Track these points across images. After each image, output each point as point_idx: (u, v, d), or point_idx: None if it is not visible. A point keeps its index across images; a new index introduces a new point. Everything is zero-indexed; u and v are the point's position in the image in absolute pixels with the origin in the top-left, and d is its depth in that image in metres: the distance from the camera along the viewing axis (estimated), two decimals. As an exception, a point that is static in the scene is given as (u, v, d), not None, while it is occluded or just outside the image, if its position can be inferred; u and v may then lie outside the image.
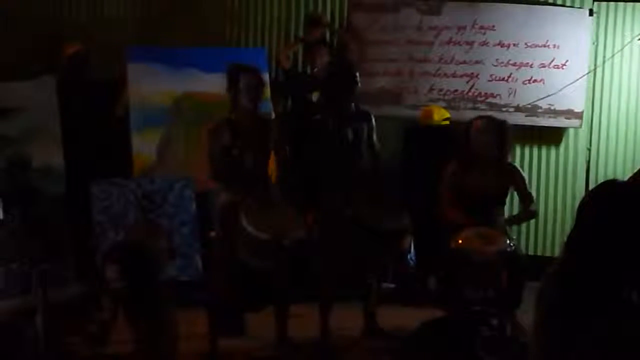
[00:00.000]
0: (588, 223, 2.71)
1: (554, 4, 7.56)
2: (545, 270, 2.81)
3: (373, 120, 6.01)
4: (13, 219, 6.10)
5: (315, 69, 7.44)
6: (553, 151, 7.68)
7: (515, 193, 6.09)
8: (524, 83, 7.52)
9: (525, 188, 5.98)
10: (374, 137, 6.01)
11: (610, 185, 2.80)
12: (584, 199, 2.81)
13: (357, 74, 5.89)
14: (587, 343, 2.59)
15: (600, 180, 3.68)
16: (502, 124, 5.94)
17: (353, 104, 5.91)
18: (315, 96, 7.34)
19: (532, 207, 6.01)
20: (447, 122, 7.30)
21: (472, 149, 5.88)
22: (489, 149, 5.85)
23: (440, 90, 7.69)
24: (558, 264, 2.78)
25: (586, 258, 2.67)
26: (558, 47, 7.45)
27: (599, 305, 2.61)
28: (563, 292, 2.67)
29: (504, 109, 7.41)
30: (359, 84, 5.88)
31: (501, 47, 7.58)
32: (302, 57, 7.84)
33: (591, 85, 7.52)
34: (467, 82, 7.64)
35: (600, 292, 2.62)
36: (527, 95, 7.50)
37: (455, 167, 5.94)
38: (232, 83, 5.60)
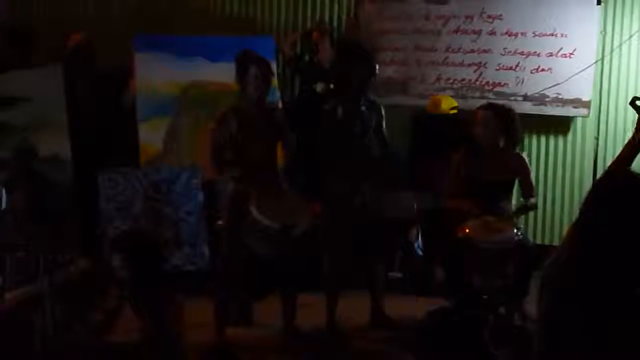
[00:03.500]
0: (597, 213, 2.69)
1: (562, -7, 7.54)
2: (548, 258, 2.79)
3: (382, 110, 5.99)
4: (19, 208, 6.11)
5: (318, 59, 7.42)
6: (561, 140, 7.66)
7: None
8: (531, 72, 7.50)
9: (528, 179, 5.91)
10: (384, 126, 5.98)
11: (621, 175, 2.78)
12: (592, 188, 2.79)
13: (376, 65, 5.86)
14: (594, 332, 2.58)
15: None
16: (507, 112, 5.89)
17: (363, 93, 5.89)
18: (319, 86, 7.32)
19: (533, 200, 5.94)
20: (455, 111, 7.29)
21: (477, 137, 5.85)
22: (494, 137, 5.81)
23: (448, 79, 7.69)
24: (562, 252, 2.76)
25: (594, 248, 2.65)
26: (566, 36, 7.42)
27: (605, 295, 2.60)
28: (569, 281, 2.66)
29: (511, 98, 7.39)
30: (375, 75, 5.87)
31: (509, 36, 7.56)
32: (307, 47, 7.81)
33: (599, 74, 7.49)
34: (475, 71, 7.63)
35: (607, 282, 2.61)
36: (534, 84, 7.49)
37: (463, 156, 5.91)
38: (241, 72, 5.58)
